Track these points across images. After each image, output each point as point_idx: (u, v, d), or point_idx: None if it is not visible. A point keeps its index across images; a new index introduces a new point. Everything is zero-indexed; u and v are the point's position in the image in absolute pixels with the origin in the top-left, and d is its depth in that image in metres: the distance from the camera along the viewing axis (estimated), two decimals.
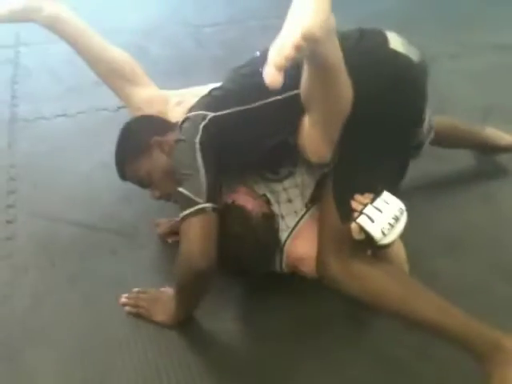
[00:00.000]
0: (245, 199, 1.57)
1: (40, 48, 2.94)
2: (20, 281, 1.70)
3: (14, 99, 2.57)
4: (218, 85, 1.66)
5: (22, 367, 1.47)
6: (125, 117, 2.42)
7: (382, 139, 1.42)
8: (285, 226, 1.63)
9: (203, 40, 3.09)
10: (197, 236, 1.38)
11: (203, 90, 1.79)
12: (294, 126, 1.47)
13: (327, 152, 1.45)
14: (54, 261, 1.77)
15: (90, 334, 1.55)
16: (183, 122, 1.51)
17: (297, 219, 1.63)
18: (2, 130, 2.36)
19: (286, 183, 1.67)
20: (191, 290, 1.47)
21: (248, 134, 1.50)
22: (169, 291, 1.59)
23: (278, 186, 1.67)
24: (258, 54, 1.61)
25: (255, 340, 1.56)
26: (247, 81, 1.51)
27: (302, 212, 1.64)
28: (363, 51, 1.44)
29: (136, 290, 1.63)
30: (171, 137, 1.58)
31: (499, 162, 2.12)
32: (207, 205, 1.39)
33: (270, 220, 1.59)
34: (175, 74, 2.66)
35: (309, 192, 1.65)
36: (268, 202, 1.65)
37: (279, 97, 1.44)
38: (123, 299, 1.61)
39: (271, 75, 1.05)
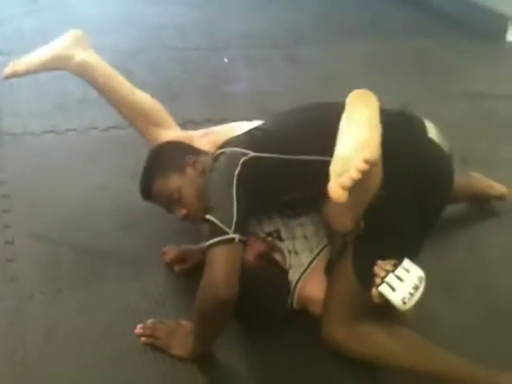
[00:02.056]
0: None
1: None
2: (27, 308, 1.65)
3: None
4: (255, 124, 1.73)
5: None
6: (115, 137, 2.44)
7: (409, 216, 1.49)
8: (298, 263, 1.66)
9: (188, 64, 3.11)
10: (222, 265, 1.41)
11: (227, 127, 1.85)
12: (324, 189, 1.51)
13: (351, 225, 1.50)
14: (59, 286, 1.73)
15: (107, 367, 1.51)
16: (220, 154, 1.54)
17: (311, 257, 1.67)
18: None
19: (303, 219, 1.71)
20: (212, 321, 1.47)
21: (279, 182, 1.54)
22: (187, 324, 1.58)
23: (294, 221, 1.71)
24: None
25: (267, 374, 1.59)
26: (294, 131, 1.57)
27: (317, 250, 1.68)
28: (405, 136, 1.52)
29: (151, 320, 1.60)
30: (204, 159, 1.63)
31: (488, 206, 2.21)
32: (235, 235, 1.42)
33: (266, 257, 1.60)
34: (162, 98, 2.66)
35: (323, 230, 1.71)
36: (279, 238, 1.69)
37: (322, 158, 1.45)
38: (138, 330, 1.58)
39: (338, 195, 1.19)
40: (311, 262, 1.67)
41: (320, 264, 1.67)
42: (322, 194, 1.49)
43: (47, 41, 1.96)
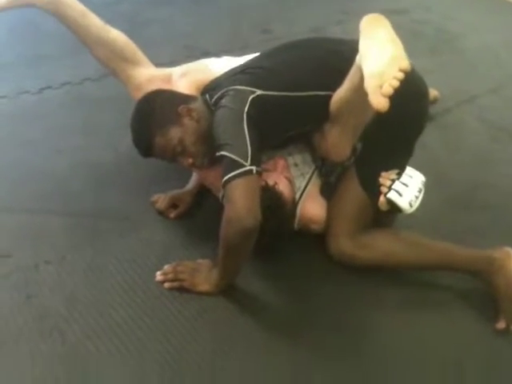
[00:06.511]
0: (285, 184, 1.66)
1: None
2: (37, 278, 1.58)
3: None
4: (227, 60, 1.77)
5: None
6: (51, 98, 2.32)
7: (403, 128, 1.61)
8: (295, 188, 1.75)
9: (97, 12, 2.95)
10: (243, 196, 1.44)
11: (201, 65, 1.83)
12: (322, 122, 1.58)
13: (349, 152, 1.61)
14: (62, 253, 1.66)
15: (140, 319, 1.51)
16: (226, 91, 1.55)
17: (305, 181, 1.77)
18: None
19: (290, 149, 1.79)
20: (238, 251, 1.51)
21: (284, 119, 1.58)
22: (205, 261, 1.62)
23: (283, 151, 1.78)
24: None
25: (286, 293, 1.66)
26: (294, 68, 1.60)
27: (308, 175, 1.77)
28: None
29: (168, 265, 1.62)
30: (197, 105, 1.62)
31: None
32: (253, 167, 1.45)
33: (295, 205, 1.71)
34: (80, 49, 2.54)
35: (308, 156, 1.80)
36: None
37: (323, 92, 1.53)
38: (159, 277, 1.60)
39: (382, 103, 1.23)
40: (306, 186, 1.76)
41: (314, 186, 1.77)
42: (319, 127, 1.60)
43: None
